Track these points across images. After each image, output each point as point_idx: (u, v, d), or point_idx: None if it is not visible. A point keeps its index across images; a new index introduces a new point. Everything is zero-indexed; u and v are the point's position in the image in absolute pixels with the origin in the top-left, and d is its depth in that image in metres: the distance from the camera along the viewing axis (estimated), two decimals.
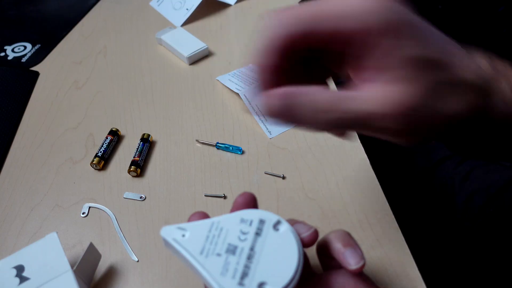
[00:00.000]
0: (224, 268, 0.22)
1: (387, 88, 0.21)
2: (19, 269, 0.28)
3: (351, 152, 0.42)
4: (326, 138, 0.43)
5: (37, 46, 0.61)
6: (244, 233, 0.23)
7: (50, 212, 0.38)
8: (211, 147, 0.43)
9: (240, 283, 0.21)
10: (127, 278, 0.33)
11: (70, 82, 0.53)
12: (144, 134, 0.44)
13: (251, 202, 0.26)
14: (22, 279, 0.28)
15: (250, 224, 0.24)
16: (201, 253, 0.22)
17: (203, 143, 0.44)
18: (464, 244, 0.49)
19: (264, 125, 0.44)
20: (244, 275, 0.21)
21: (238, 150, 0.42)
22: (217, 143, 0.43)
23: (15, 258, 0.29)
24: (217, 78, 0.51)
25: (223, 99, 0.49)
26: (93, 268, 0.32)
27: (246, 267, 0.22)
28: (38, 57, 0.58)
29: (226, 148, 0.43)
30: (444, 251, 0.50)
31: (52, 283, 0.28)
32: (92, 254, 0.31)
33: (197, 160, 0.42)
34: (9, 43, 0.62)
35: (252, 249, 0.23)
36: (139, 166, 0.41)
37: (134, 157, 0.41)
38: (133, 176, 0.41)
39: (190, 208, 0.38)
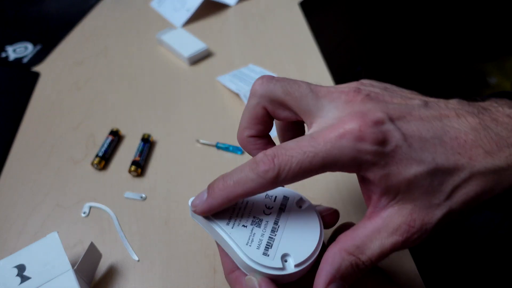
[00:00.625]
0: (250, 239, 0.23)
1: (400, 213, 0.21)
2: (20, 268, 0.29)
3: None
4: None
5: (38, 47, 0.61)
6: (268, 208, 0.24)
7: (51, 211, 0.38)
8: (211, 147, 0.43)
9: (265, 253, 0.22)
10: (128, 277, 0.33)
11: (71, 83, 0.54)
12: (144, 134, 0.44)
13: None
14: (23, 278, 0.28)
15: (274, 199, 0.25)
16: (228, 224, 0.23)
17: (203, 143, 0.44)
18: (464, 244, 0.49)
19: None
20: (268, 246, 0.22)
21: (238, 150, 0.42)
22: (217, 143, 0.43)
23: (16, 258, 0.29)
24: (217, 79, 0.51)
25: (223, 99, 0.49)
26: (94, 268, 0.32)
27: (270, 239, 0.23)
28: (39, 57, 0.59)
29: (226, 148, 0.43)
30: (444, 251, 0.50)
31: (53, 283, 0.28)
32: (92, 254, 0.32)
33: (198, 160, 0.42)
34: (10, 43, 0.62)
35: (276, 223, 0.24)
36: (139, 166, 0.41)
37: (134, 157, 0.42)
38: (133, 176, 0.41)
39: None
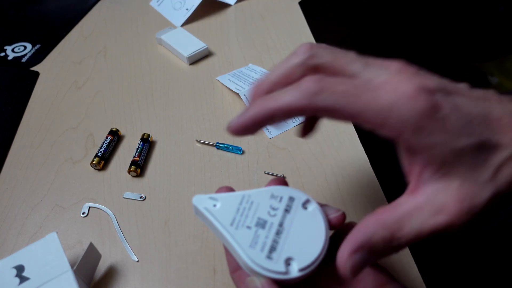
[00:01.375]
0: (253, 241, 0.22)
1: (444, 191, 0.20)
2: (19, 269, 0.28)
3: (351, 152, 0.42)
4: (326, 138, 0.43)
5: (37, 46, 0.61)
6: (274, 209, 0.24)
7: (50, 212, 0.38)
8: (211, 147, 0.43)
9: (268, 257, 0.22)
10: (127, 278, 0.33)
11: (70, 82, 0.54)
12: (144, 134, 0.44)
13: (282, 182, 0.26)
14: (22, 279, 0.28)
15: (280, 200, 0.24)
16: (232, 224, 0.23)
17: (203, 143, 0.44)
18: (464, 244, 0.49)
19: None
20: (273, 249, 0.22)
21: (238, 150, 0.42)
22: (217, 143, 0.43)
23: (15, 258, 0.29)
24: (217, 78, 0.51)
25: (223, 99, 0.49)
26: (93, 268, 0.32)
27: (275, 241, 0.22)
28: (38, 57, 0.58)
29: (226, 148, 0.43)
30: (444, 251, 0.50)
31: (52, 283, 0.28)
32: (92, 254, 0.31)
33: (197, 160, 0.42)
34: (9, 43, 0.62)
35: (281, 225, 0.23)
36: (139, 166, 0.41)
37: (134, 157, 0.41)
38: (133, 176, 0.41)
39: (190, 208, 0.38)
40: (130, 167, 0.40)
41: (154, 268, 0.33)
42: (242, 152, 0.42)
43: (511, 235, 0.45)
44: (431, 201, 0.20)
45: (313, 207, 0.24)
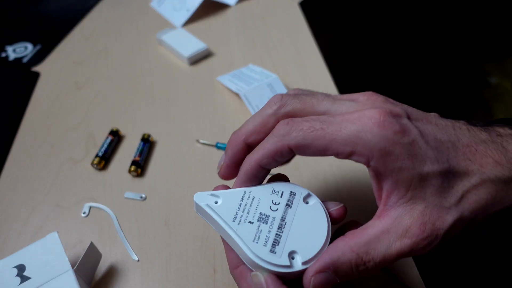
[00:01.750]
0: (256, 236, 0.22)
1: (407, 214, 0.21)
2: (20, 268, 0.29)
3: None
4: None
5: (38, 46, 0.61)
6: (275, 204, 0.24)
7: (50, 212, 0.38)
8: (211, 147, 0.43)
9: (272, 251, 0.22)
10: (128, 277, 0.33)
11: (70, 83, 0.54)
12: (144, 134, 0.44)
13: (283, 178, 0.27)
14: (23, 278, 0.28)
15: (281, 195, 0.24)
16: (234, 220, 0.23)
17: (203, 143, 0.44)
18: (464, 244, 0.49)
19: None
20: (276, 243, 0.22)
21: None
22: (217, 143, 0.43)
23: (16, 258, 0.29)
24: (217, 79, 0.51)
25: (223, 99, 0.49)
26: (94, 268, 0.32)
27: (277, 236, 0.23)
28: (38, 57, 0.59)
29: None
30: (444, 251, 0.50)
31: (52, 283, 0.28)
32: (92, 254, 0.32)
33: (197, 160, 0.42)
34: (10, 43, 0.62)
35: (283, 219, 0.23)
36: (139, 166, 0.41)
37: (134, 157, 0.42)
38: (133, 176, 0.41)
39: (190, 208, 0.38)
40: (130, 167, 0.41)
41: (154, 267, 0.34)
42: None
43: (509, 236, 0.45)
44: (396, 224, 0.20)
45: (314, 201, 0.25)
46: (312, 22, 0.62)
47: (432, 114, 0.23)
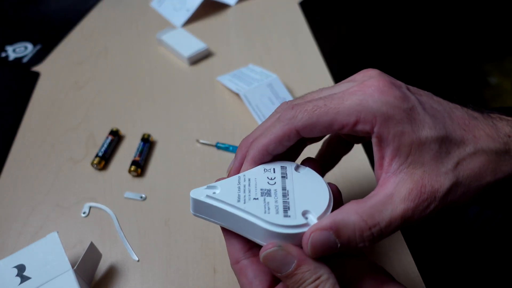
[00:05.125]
0: (266, 208, 0.23)
1: (407, 179, 0.21)
2: (20, 268, 0.29)
3: (351, 152, 0.42)
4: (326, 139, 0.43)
5: (38, 46, 0.61)
6: (271, 179, 0.25)
7: (51, 211, 0.38)
8: (211, 147, 0.43)
9: (285, 216, 0.22)
10: (128, 277, 0.33)
11: (70, 83, 0.54)
12: (144, 134, 0.44)
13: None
14: (23, 278, 0.28)
15: (274, 171, 0.25)
16: (239, 201, 0.23)
17: (203, 143, 0.44)
18: (464, 244, 0.49)
19: None
20: (286, 209, 0.23)
21: None
22: (217, 143, 0.43)
23: (16, 258, 0.29)
24: (217, 78, 0.51)
25: (223, 99, 0.49)
26: (94, 268, 0.32)
27: (285, 202, 0.23)
28: (39, 57, 0.59)
29: (226, 148, 0.43)
30: (444, 251, 0.50)
31: (53, 283, 0.28)
32: (92, 254, 0.32)
33: (197, 160, 0.42)
34: (10, 43, 0.62)
35: (284, 188, 0.24)
36: (139, 166, 0.41)
37: (134, 157, 0.42)
38: (133, 176, 0.41)
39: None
40: (130, 167, 0.41)
41: (154, 267, 0.34)
42: None
43: (508, 235, 0.45)
44: (399, 189, 0.21)
45: (305, 169, 0.26)
46: (312, 22, 0.62)
47: (426, 91, 0.24)
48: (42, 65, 0.57)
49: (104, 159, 0.42)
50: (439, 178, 0.21)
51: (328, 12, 0.87)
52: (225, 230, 0.25)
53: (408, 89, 0.23)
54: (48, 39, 0.62)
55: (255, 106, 0.45)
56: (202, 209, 0.24)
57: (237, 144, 0.43)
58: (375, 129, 0.21)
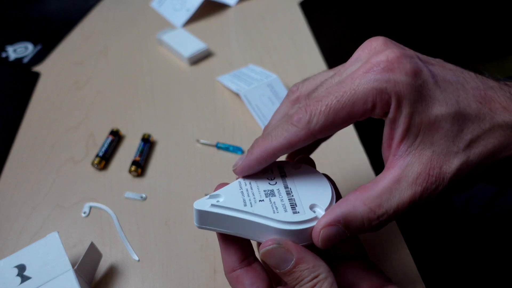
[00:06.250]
0: (274, 208, 0.23)
1: (416, 160, 0.21)
2: (21, 268, 0.29)
3: (351, 152, 0.42)
4: None
5: (38, 47, 0.61)
6: (271, 179, 0.25)
7: (51, 211, 0.38)
8: (211, 147, 0.43)
9: (294, 212, 0.22)
10: (128, 277, 0.33)
11: (71, 83, 0.54)
12: (144, 134, 0.44)
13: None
14: (24, 278, 0.28)
15: (272, 172, 0.25)
16: (245, 205, 0.23)
17: (203, 143, 0.44)
18: (463, 245, 0.49)
19: (264, 125, 0.45)
20: (294, 205, 0.23)
21: (238, 150, 0.42)
22: (218, 143, 0.43)
23: (17, 258, 0.29)
24: (217, 79, 0.51)
25: (224, 99, 0.49)
26: (94, 268, 0.32)
27: (291, 200, 0.23)
28: (39, 57, 0.59)
29: (226, 148, 0.43)
30: (444, 251, 0.50)
31: (53, 282, 0.28)
32: (93, 254, 0.32)
33: (198, 160, 0.42)
34: (11, 43, 0.62)
35: (286, 187, 0.24)
36: (140, 166, 0.41)
37: (135, 157, 0.42)
38: (134, 176, 0.41)
39: (190, 208, 0.37)
40: (131, 167, 0.41)
41: (154, 267, 0.34)
42: (242, 152, 0.42)
43: (507, 234, 0.45)
44: (407, 173, 0.21)
45: (302, 165, 0.26)
46: (312, 22, 0.62)
47: (438, 59, 0.23)
48: (43, 65, 0.57)
49: (104, 159, 0.42)
50: (448, 159, 0.20)
51: (328, 12, 0.87)
52: (222, 239, 0.24)
53: (418, 58, 0.21)
54: (48, 39, 0.62)
55: (255, 106, 0.45)
56: (208, 220, 0.23)
57: (237, 144, 0.43)
58: (390, 111, 0.20)
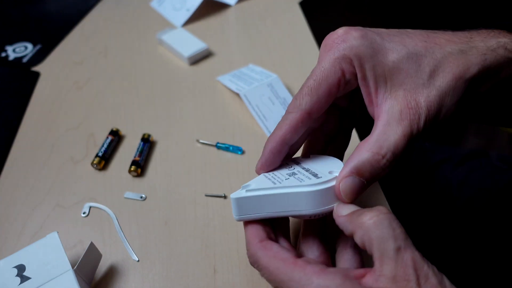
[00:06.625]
0: (299, 180, 0.25)
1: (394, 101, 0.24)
2: (20, 268, 0.29)
3: (351, 152, 0.42)
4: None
5: (38, 46, 0.61)
6: (289, 168, 0.28)
7: (51, 212, 0.38)
8: (211, 147, 0.43)
9: (318, 178, 0.25)
10: (128, 277, 0.33)
11: (71, 82, 0.54)
12: (144, 134, 0.44)
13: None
14: (23, 278, 0.28)
15: (287, 164, 0.29)
16: (275, 184, 0.26)
17: (203, 143, 0.44)
18: (463, 245, 0.49)
19: (264, 125, 0.45)
20: (315, 175, 0.26)
21: (238, 150, 0.42)
22: (217, 143, 0.43)
23: (16, 258, 0.29)
24: (217, 78, 0.51)
25: (224, 99, 0.49)
26: (94, 268, 0.32)
27: (311, 172, 0.26)
28: (39, 57, 0.59)
29: (226, 148, 0.43)
30: (444, 252, 0.50)
31: (53, 283, 0.28)
32: (92, 254, 0.32)
33: (198, 160, 0.42)
34: (10, 43, 0.62)
35: (303, 168, 0.27)
36: (139, 166, 0.41)
37: (134, 157, 0.42)
38: (133, 176, 0.41)
39: (190, 208, 0.38)
40: (130, 167, 0.41)
41: (154, 267, 0.34)
42: (242, 152, 0.42)
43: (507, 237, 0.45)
44: (391, 114, 0.24)
45: (311, 155, 0.30)
46: (312, 22, 0.62)
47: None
48: (42, 65, 0.57)
49: (104, 159, 0.42)
50: (419, 91, 0.24)
51: (328, 12, 0.87)
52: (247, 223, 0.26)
53: (363, 29, 0.25)
54: (48, 39, 0.62)
55: (255, 106, 0.45)
56: (246, 207, 0.26)
57: (237, 144, 0.43)
58: (357, 71, 0.24)
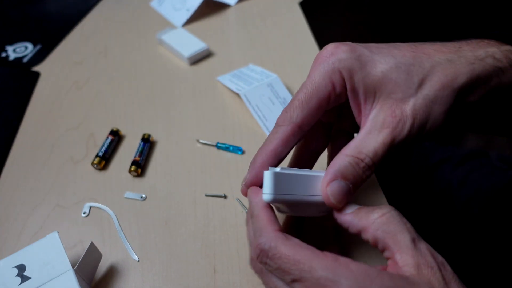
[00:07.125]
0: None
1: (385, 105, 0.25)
2: (20, 268, 0.29)
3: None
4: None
5: (38, 46, 0.61)
6: None
7: (51, 211, 0.38)
8: (211, 147, 0.43)
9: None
10: (128, 277, 0.33)
11: (71, 82, 0.54)
12: (144, 134, 0.44)
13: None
14: (23, 278, 0.28)
15: None
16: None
17: (203, 143, 0.44)
18: (463, 245, 0.49)
19: (264, 125, 0.45)
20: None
21: (238, 150, 0.42)
22: (218, 143, 0.43)
23: (16, 258, 0.29)
24: (217, 78, 0.51)
25: (224, 99, 0.49)
26: (94, 268, 0.32)
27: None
28: (39, 57, 0.59)
29: (227, 148, 0.43)
30: (444, 252, 0.50)
31: (53, 283, 0.28)
32: (93, 254, 0.32)
33: (198, 160, 0.42)
34: (11, 43, 0.62)
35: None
36: (139, 166, 0.41)
37: (134, 157, 0.42)
38: (133, 176, 0.41)
39: (190, 208, 0.38)
40: (131, 167, 0.41)
41: (154, 267, 0.34)
42: (243, 152, 0.42)
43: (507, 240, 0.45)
44: (374, 123, 0.24)
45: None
46: (312, 22, 0.62)
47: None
48: (42, 65, 0.57)
49: (104, 159, 0.42)
50: (406, 100, 0.24)
51: (328, 12, 0.87)
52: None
53: (353, 43, 0.26)
54: (48, 39, 0.62)
55: (255, 106, 0.45)
56: (281, 184, 0.24)
57: (237, 144, 0.43)
58: (346, 84, 0.25)
